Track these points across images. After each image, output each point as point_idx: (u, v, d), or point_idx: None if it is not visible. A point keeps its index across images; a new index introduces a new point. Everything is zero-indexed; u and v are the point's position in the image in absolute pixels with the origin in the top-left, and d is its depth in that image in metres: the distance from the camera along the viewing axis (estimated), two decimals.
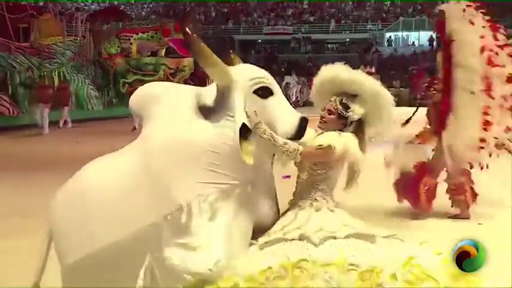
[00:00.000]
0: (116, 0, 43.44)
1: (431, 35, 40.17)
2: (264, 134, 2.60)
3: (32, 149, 12.41)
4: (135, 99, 2.96)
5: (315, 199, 2.78)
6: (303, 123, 2.68)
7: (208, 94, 2.77)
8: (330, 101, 2.93)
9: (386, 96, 2.96)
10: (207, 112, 2.71)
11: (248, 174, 2.64)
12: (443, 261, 2.61)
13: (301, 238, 2.57)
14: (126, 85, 19.80)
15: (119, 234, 2.61)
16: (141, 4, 45.98)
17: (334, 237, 2.56)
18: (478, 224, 4.93)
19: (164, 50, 21.29)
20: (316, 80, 3.13)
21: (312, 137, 2.86)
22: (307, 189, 2.82)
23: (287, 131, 2.67)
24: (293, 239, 2.57)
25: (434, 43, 40.11)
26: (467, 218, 5.23)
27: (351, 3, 46.18)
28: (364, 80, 2.92)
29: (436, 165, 5.34)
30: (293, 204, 2.86)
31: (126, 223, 2.60)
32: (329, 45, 44.39)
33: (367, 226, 2.77)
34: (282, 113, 2.70)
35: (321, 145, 2.71)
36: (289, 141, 2.64)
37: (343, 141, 2.75)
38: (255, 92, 2.67)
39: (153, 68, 20.64)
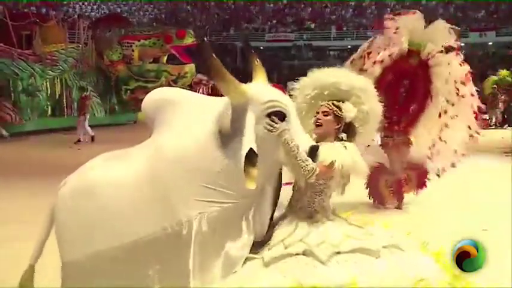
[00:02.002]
0: None
1: None
2: (291, 142, 2.56)
3: (34, 155, 12.42)
4: (150, 101, 2.91)
5: (314, 209, 2.74)
6: (313, 151, 2.63)
7: (225, 107, 2.70)
8: (322, 105, 2.87)
9: (373, 90, 2.95)
10: (221, 126, 2.66)
11: (253, 194, 2.61)
12: (435, 254, 2.67)
13: (306, 254, 2.53)
14: (128, 92, 19.82)
15: (120, 239, 2.60)
16: (143, 11, 46.14)
17: (339, 252, 2.54)
18: (483, 230, 4.91)
19: (166, 57, 21.33)
20: (303, 92, 3.02)
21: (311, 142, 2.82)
22: (306, 199, 2.76)
23: None
24: (297, 254, 2.54)
25: None
26: (400, 208, 6.44)
27: (351, 10, 46.30)
28: (350, 80, 2.90)
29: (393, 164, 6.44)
30: (291, 213, 2.80)
31: (128, 229, 2.59)
32: (330, 52, 44.44)
33: (366, 233, 2.73)
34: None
35: (332, 162, 2.64)
36: (309, 159, 2.59)
37: (350, 155, 2.70)
38: (268, 115, 2.61)
39: (155, 74, 20.68)
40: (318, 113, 2.86)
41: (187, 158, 2.60)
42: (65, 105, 20.14)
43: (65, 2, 40.71)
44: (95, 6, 43.99)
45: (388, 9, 44.50)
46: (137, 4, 46.40)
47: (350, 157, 2.68)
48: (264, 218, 2.69)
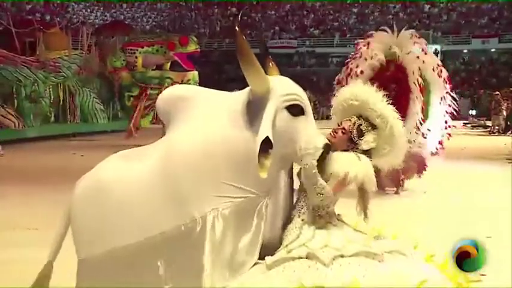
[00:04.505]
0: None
1: (436, 49, 40.21)
2: (312, 169, 2.60)
3: (37, 162, 12.45)
4: (162, 99, 2.90)
5: (319, 214, 2.71)
6: (325, 148, 2.64)
7: (239, 101, 2.70)
8: (349, 119, 2.85)
9: (403, 140, 2.90)
10: (235, 120, 2.65)
11: (265, 187, 2.60)
12: (440, 266, 2.63)
13: (309, 257, 2.52)
14: (131, 98, 19.85)
15: (133, 237, 2.60)
16: (146, 18, 46.30)
17: (342, 256, 2.53)
18: (487, 237, 4.90)
19: (169, 64, 21.37)
20: (346, 95, 2.98)
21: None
22: (311, 204, 2.73)
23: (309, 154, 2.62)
24: (300, 257, 2.53)
25: (439, 56, 40.21)
26: (397, 193, 7.77)
27: (354, 17, 46.39)
28: (389, 119, 2.83)
29: None
30: (295, 217, 2.77)
31: (141, 226, 2.60)
32: (333, 59, 44.52)
33: (369, 238, 2.73)
34: (307, 135, 2.63)
35: (345, 175, 2.64)
36: (325, 186, 2.63)
37: (363, 167, 2.68)
38: (287, 107, 2.62)
39: (158, 81, 20.69)
40: (340, 123, 2.85)
41: (199, 154, 2.59)
42: (68, 111, 20.21)
43: (69, 9, 40.90)
44: (98, 13, 44.19)
45: (390, 16, 44.67)
46: (140, 11, 46.59)
47: (362, 168, 2.67)
48: (275, 221, 2.68)
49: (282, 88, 2.65)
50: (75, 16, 40.36)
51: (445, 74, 7.71)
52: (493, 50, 41.31)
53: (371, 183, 2.72)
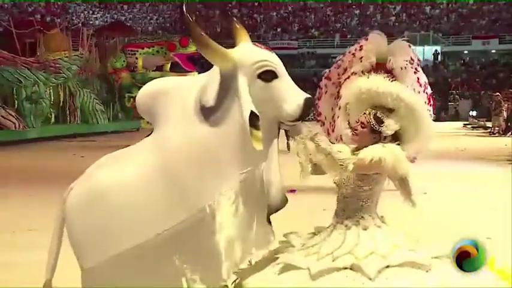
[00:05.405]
0: None
1: (436, 50, 40.26)
2: (322, 143, 2.62)
3: (38, 163, 12.45)
4: (143, 97, 2.85)
5: (362, 217, 2.68)
6: (308, 103, 2.61)
7: (213, 79, 2.66)
8: (364, 113, 2.80)
9: (423, 111, 2.81)
10: (214, 101, 2.62)
11: (260, 157, 2.60)
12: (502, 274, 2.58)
13: (354, 268, 2.49)
14: (131, 99, 19.89)
15: (142, 237, 2.59)
16: (147, 19, 46.34)
17: (388, 266, 2.48)
18: (487, 238, 4.90)
19: (169, 65, 21.40)
20: (352, 91, 2.95)
21: (348, 151, 2.76)
22: (352, 207, 2.70)
23: (293, 112, 2.59)
24: (345, 267, 2.50)
25: (439, 57, 40.23)
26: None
27: (355, 18, 46.41)
28: (401, 94, 2.76)
29: None
30: (338, 223, 2.72)
31: (149, 225, 2.58)
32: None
33: (413, 242, 2.69)
34: (287, 94, 2.60)
35: (372, 159, 2.59)
36: (343, 151, 2.66)
37: (391, 152, 2.64)
38: (259, 76, 2.59)
39: None
40: (358, 120, 2.82)
41: (192, 145, 2.59)
42: (68, 112, 20.24)
43: (69, 10, 40.95)
44: (99, 15, 44.24)
45: (393, 18, 44.70)
46: (143, 12, 46.64)
47: (390, 152, 2.62)
48: (275, 182, 2.66)
49: (249, 57, 2.60)
50: (75, 17, 40.41)
51: (429, 91, 7.82)
52: (493, 51, 41.29)
53: (402, 165, 2.64)
